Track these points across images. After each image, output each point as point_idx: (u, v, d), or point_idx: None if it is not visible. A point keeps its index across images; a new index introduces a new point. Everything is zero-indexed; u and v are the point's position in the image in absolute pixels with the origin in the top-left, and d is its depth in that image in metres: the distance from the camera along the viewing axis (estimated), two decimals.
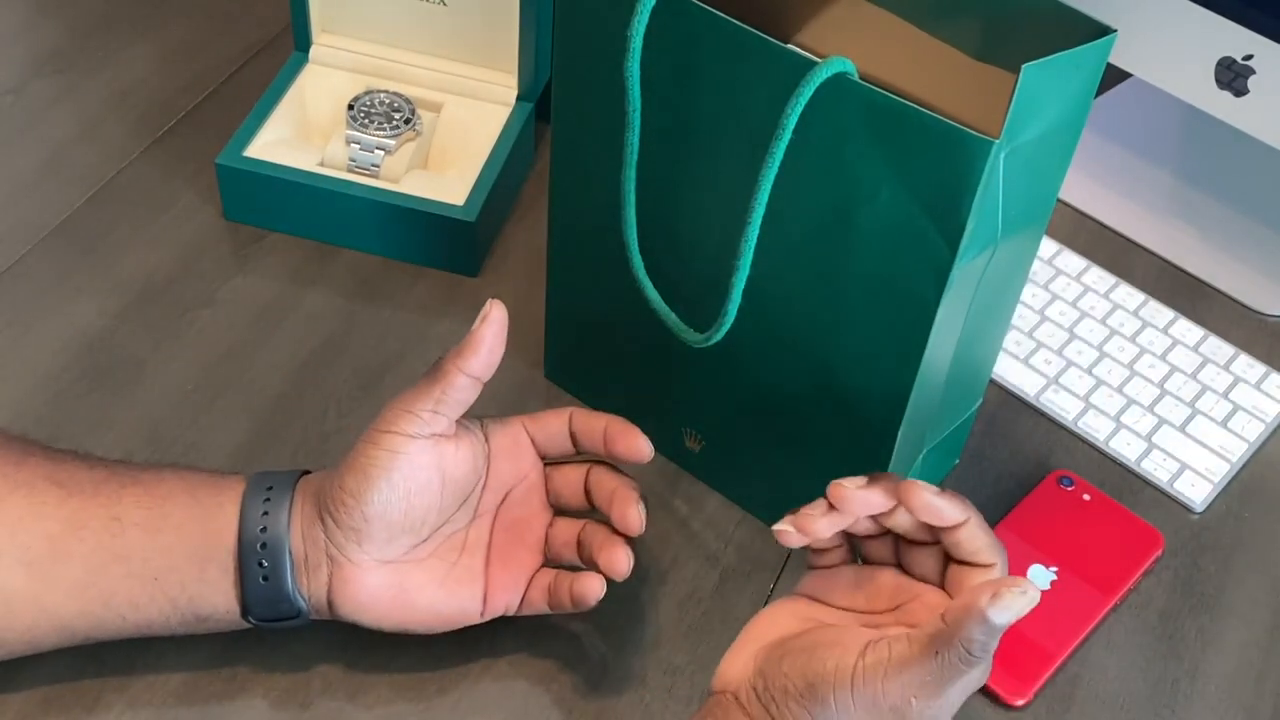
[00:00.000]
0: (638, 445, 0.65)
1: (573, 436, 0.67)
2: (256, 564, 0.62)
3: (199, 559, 0.62)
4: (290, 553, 0.62)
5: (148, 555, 0.62)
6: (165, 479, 0.64)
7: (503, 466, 0.67)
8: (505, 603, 0.65)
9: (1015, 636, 0.70)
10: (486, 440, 0.67)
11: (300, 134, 0.88)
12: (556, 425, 0.67)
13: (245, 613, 0.63)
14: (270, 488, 0.63)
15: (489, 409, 0.79)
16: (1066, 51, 0.56)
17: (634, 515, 0.64)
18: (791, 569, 0.73)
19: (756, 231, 0.60)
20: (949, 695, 0.56)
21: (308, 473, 0.66)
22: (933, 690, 0.55)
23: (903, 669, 0.56)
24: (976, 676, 0.58)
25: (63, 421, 0.76)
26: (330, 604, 0.64)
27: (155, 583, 0.62)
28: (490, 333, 0.63)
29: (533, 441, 0.67)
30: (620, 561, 0.64)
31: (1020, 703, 0.69)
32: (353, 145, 0.85)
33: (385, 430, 0.62)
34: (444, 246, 0.85)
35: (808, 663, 0.57)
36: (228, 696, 0.66)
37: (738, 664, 0.60)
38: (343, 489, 0.62)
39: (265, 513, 0.62)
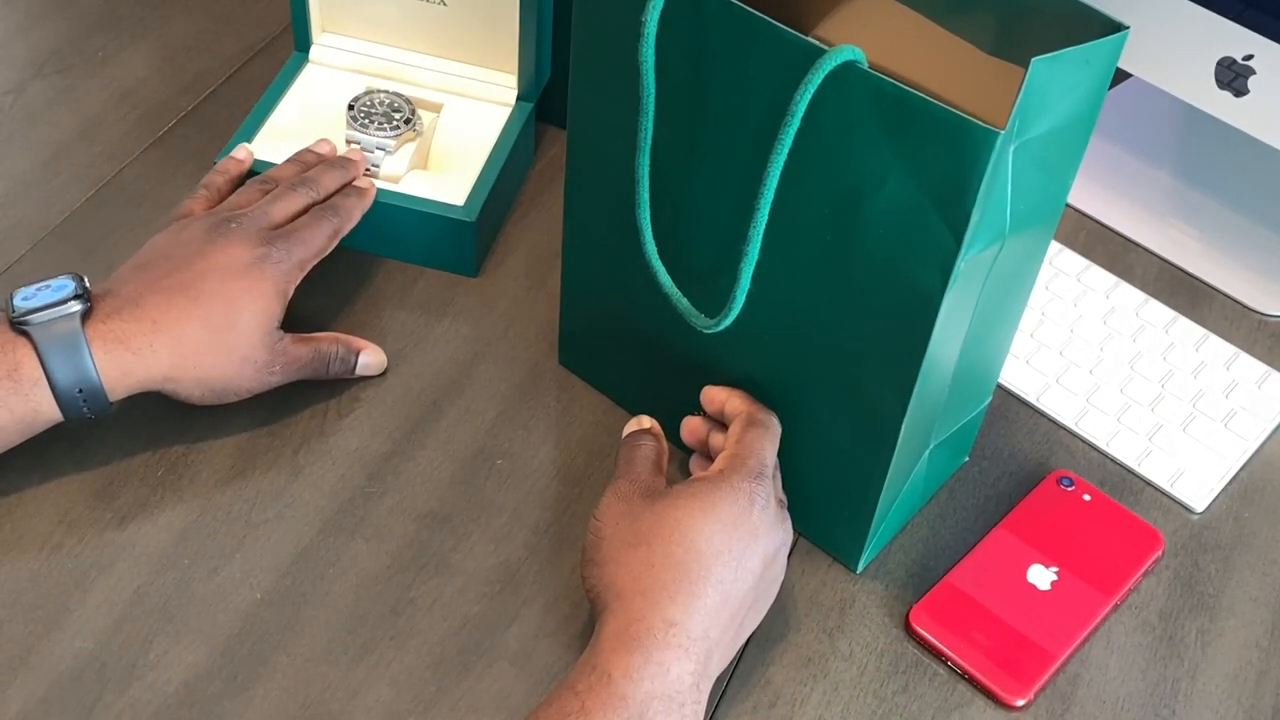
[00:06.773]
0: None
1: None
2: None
3: None
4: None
5: None
6: None
7: None
8: None
9: (1015, 636, 0.70)
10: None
11: (300, 134, 0.88)
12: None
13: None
14: None
15: (509, 395, 0.79)
16: (1076, 47, 0.56)
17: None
18: (796, 562, 0.73)
19: (765, 217, 0.60)
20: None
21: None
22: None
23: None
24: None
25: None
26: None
27: None
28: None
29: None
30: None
31: (1020, 703, 0.69)
32: (352, 145, 0.85)
33: None
34: (444, 246, 0.85)
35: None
36: (227, 697, 0.66)
37: None
38: None
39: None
